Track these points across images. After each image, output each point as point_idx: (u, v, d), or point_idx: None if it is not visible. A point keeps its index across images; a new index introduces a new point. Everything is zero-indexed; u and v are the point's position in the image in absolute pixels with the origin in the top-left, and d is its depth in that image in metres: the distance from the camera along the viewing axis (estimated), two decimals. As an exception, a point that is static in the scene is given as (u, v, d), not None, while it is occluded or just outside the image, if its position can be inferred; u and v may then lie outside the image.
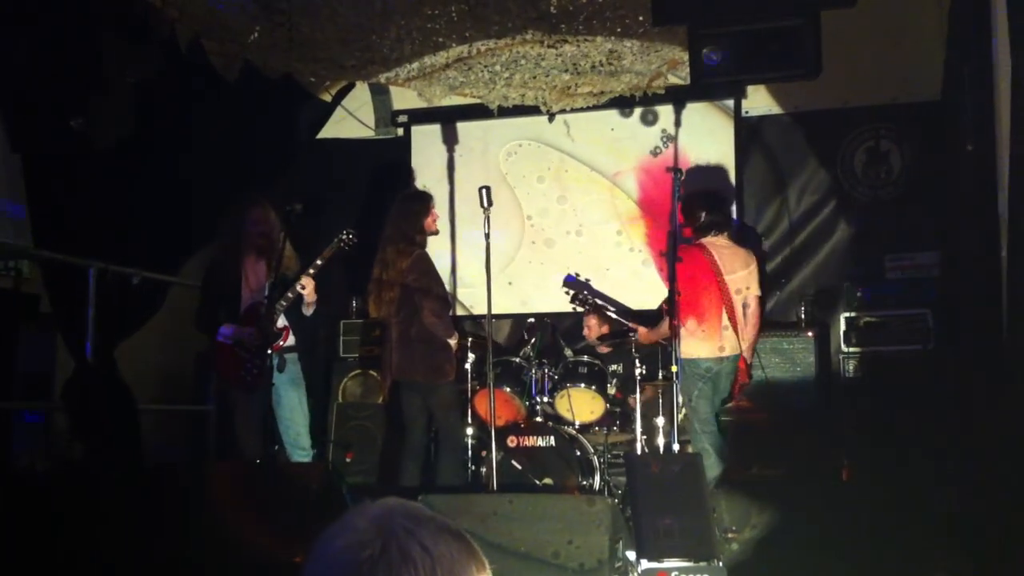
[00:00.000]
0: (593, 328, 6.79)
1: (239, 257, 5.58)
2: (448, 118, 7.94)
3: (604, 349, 6.71)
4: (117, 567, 4.01)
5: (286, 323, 5.60)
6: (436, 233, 6.05)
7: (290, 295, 5.46)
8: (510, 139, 7.80)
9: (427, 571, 1.18)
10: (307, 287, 5.45)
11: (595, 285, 6.99)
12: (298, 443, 5.63)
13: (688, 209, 5.75)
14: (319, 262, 5.48)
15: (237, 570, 4.03)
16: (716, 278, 5.63)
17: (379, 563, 1.18)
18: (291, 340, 5.63)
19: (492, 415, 4.74)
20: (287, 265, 5.59)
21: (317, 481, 4.46)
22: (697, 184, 6.78)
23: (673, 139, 7.22)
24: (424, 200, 6.08)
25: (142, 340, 6.34)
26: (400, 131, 8.08)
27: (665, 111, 7.45)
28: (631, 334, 6.07)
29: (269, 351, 5.38)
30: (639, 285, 7.36)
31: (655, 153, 7.42)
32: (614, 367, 6.45)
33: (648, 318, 6.24)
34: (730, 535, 4.50)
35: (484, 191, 5.18)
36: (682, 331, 5.44)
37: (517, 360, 6.50)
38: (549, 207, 7.72)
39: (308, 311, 5.61)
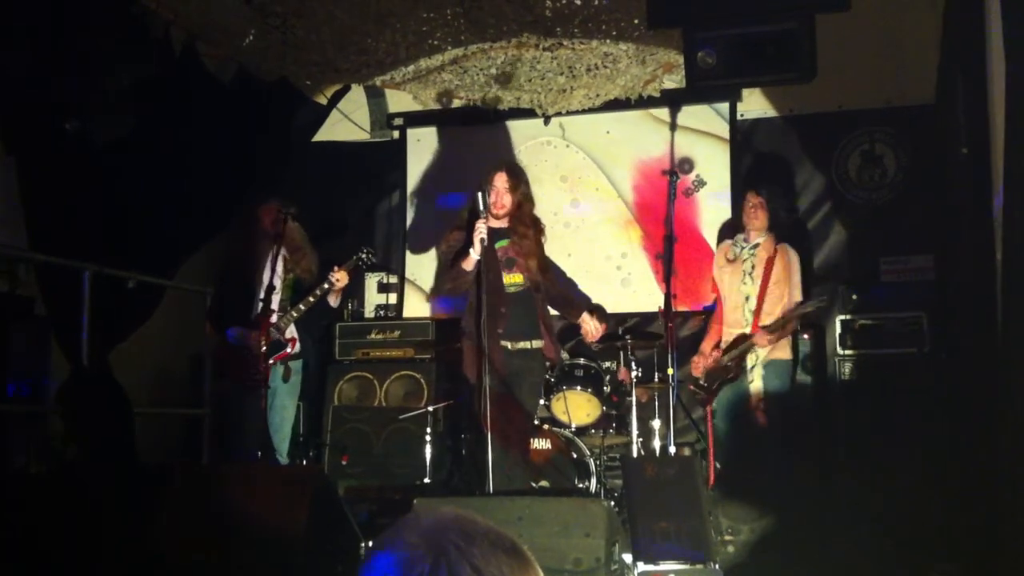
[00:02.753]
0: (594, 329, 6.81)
1: (258, 255, 5.64)
2: (443, 121, 7.95)
3: (597, 346, 6.72)
4: (112, 569, 4.00)
5: (294, 334, 5.67)
6: (497, 218, 5.33)
7: (311, 299, 5.60)
8: (512, 140, 7.80)
9: None
10: (341, 280, 5.56)
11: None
12: (280, 449, 5.70)
13: (772, 207, 6.13)
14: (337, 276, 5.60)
15: (232, 571, 4.02)
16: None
17: None
18: (298, 348, 5.72)
19: (487, 418, 4.72)
20: (305, 268, 5.68)
21: (313, 483, 4.45)
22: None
23: (704, 183, 7.31)
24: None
25: (137, 343, 6.32)
26: (396, 134, 8.09)
27: (694, 153, 7.46)
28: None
29: (272, 360, 5.48)
30: (623, 299, 7.39)
31: (687, 194, 7.41)
32: (608, 364, 6.45)
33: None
34: (726, 537, 4.51)
35: (480, 196, 5.15)
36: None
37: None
38: (563, 208, 7.70)
39: (335, 302, 5.74)
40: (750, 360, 5.90)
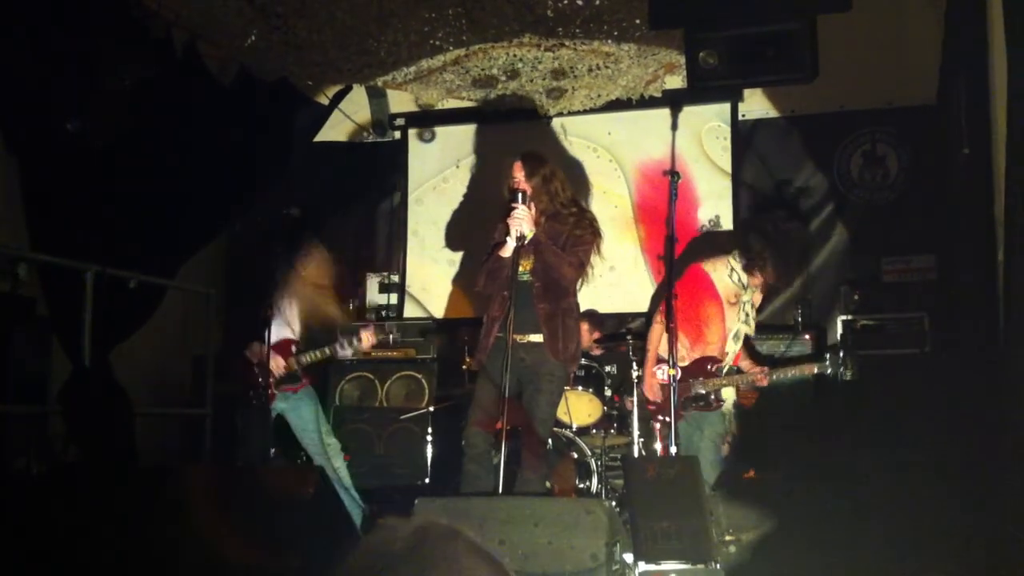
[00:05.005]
0: (584, 335, 6.77)
1: (282, 290, 5.69)
2: (445, 121, 7.95)
3: (597, 351, 6.71)
4: (111, 570, 4.00)
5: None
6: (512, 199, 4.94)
7: (326, 352, 5.67)
8: (510, 142, 7.78)
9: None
10: (365, 344, 5.80)
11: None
12: (328, 450, 5.72)
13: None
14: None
15: (231, 573, 4.02)
16: None
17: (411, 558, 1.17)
18: (305, 389, 5.78)
19: (504, 419, 4.65)
20: (323, 316, 5.76)
21: (312, 485, 4.45)
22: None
23: (720, 226, 7.29)
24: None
25: (138, 343, 6.33)
26: (397, 134, 8.09)
27: (712, 195, 7.42)
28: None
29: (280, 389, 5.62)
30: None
31: (701, 231, 7.39)
32: (609, 367, 6.44)
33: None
34: (728, 538, 4.50)
35: (521, 195, 4.83)
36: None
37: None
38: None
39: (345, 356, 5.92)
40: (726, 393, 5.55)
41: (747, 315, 5.67)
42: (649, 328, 5.76)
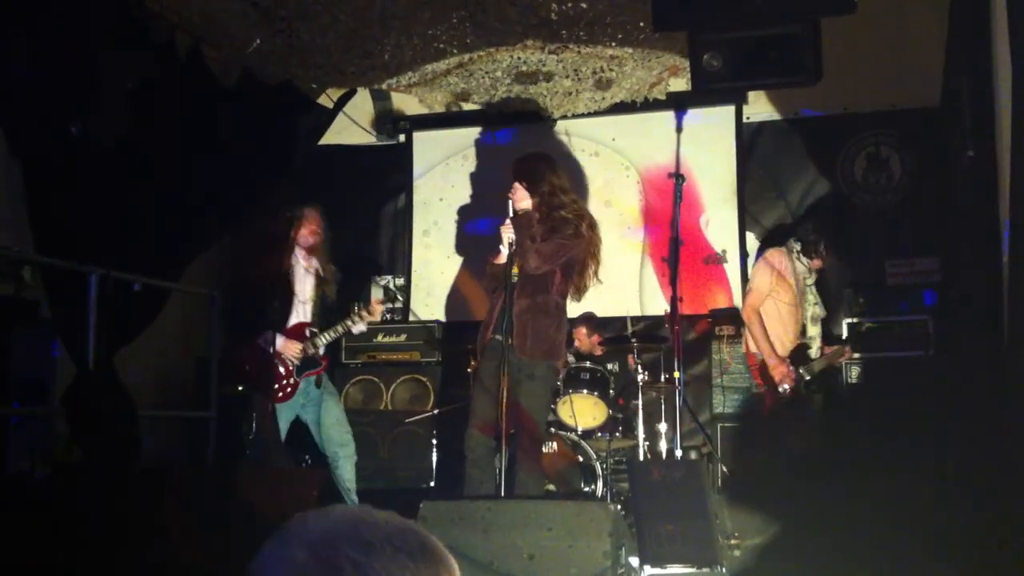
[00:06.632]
0: (583, 339, 6.76)
1: (288, 264, 5.63)
2: (450, 124, 7.95)
3: (600, 352, 6.70)
4: (113, 571, 4.00)
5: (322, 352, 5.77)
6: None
7: (341, 328, 5.68)
8: (515, 146, 7.78)
9: None
10: (374, 315, 5.79)
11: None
12: (346, 451, 5.69)
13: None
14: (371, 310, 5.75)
15: (235, 574, 4.02)
16: None
17: None
18: (325, 366, 5.79)
19: (504, 422, 4.65)
20: (328, 279, 5.69)
21: (317, 487, 4.46)
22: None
23: (727, 261, 7.31)
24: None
25: (143, 346, 6.33)
26: (402, 137, 8.10)
27: (716, 199, 7.42)
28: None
29: (304, 375, 5.61)
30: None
31: (707, 262, 7.36)
32: (611, 365, 6.44)
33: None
34: (733, 541, 4.50)
35: (510, 200, 4.93)
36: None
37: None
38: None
39: (357, 331, 5.88)
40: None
41: (817, 297, 6.12)
42: (745, 328, 6.06)
